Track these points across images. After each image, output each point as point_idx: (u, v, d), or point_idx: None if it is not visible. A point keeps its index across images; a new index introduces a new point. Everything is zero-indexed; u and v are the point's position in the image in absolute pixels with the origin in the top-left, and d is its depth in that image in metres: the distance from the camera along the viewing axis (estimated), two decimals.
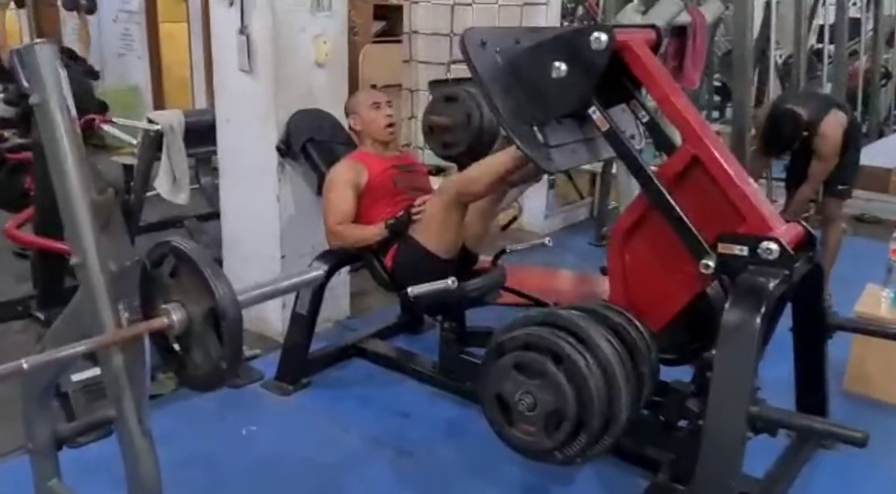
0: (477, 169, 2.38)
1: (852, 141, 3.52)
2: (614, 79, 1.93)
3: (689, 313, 1.94)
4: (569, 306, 1.88)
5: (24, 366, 1.21)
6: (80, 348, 1.30)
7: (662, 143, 2.10)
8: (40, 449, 1.65)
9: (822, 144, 3.41)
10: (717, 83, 7.74)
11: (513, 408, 1.75)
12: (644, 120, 2.06)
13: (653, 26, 2.16)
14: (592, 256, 4.35)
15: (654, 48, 2.05)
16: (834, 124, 3.44)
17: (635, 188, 3.49)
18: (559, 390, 1.65)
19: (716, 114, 7.84)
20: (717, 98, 8.01)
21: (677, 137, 2.06)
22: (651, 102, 2.14)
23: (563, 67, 1.87)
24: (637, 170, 1.92)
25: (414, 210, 2.42)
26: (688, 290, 1.89)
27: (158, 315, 1.39)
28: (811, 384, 2.20)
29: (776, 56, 6.12)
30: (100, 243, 1.35)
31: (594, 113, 1.91)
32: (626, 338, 1.78)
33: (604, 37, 1.81)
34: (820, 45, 6.52)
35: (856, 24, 6.71)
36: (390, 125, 2.71)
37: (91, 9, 5.82)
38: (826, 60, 6.22)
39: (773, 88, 5.82)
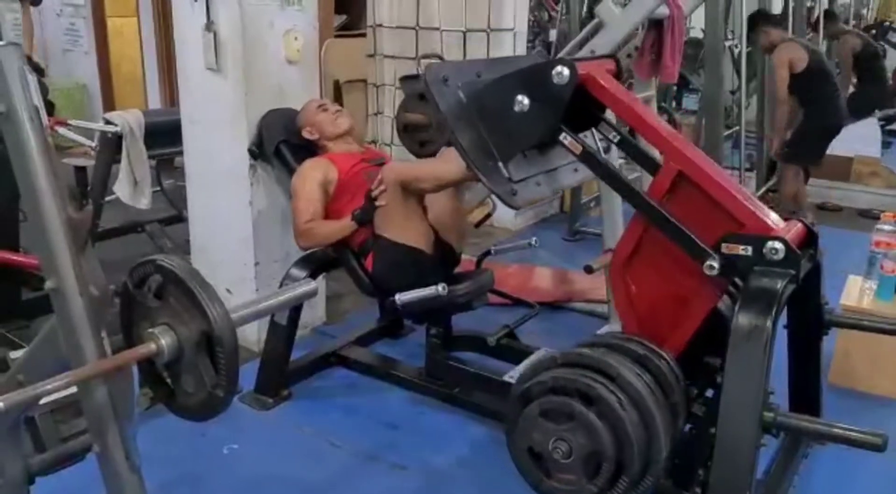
0: (424, 170, 2.38)
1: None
2: (579, 107, 1.92)
3: (704, 329, 1.88)
4: (586, 343, 1.80)
5: (0, 406, 1.09)
6: (59, 382, 1.18)
7: (640, 159, 2.07)
8: (12, 485, 1.53)
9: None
10: None
11: (547, 458, 1.66)
12: (616, 140, 2.03)
13: (612, 56, 2.21)
14: (566, 251, 4.34)
15: (616, 76, 2.06)
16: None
17: None
18: (593, 430, 1.58)
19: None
20: (673, 87, 8.07)
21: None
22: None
23: (526, 100, 1.86)
24: (619, 185, 1.89)
25: (374, 194, 2.34)
26: (701, 307, 1.82)
27: (144, 341, 1.28)
28: (805, 381, 2.19)
29: (731, 46, 6.17)
30: (78, 265, 1.23)
31: (565, 139, 1.89)
32: (652, 369, 1.71)
33: (566, 71, 1.81)
34: None
35: (808, 13, 6.82)
36: (341, 118, 2.68)
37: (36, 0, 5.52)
38: None
39: (731, 80, 5.89)
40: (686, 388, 1.77)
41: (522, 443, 1.70)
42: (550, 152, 2.10)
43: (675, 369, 1.76)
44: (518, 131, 1.88)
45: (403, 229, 2.34)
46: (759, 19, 4.71)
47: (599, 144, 2.29)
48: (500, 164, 1.91)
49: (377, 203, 2.34)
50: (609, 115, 2.08)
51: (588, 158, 1.89)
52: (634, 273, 1.89)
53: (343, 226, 2.44)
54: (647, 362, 1.72)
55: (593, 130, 2.15)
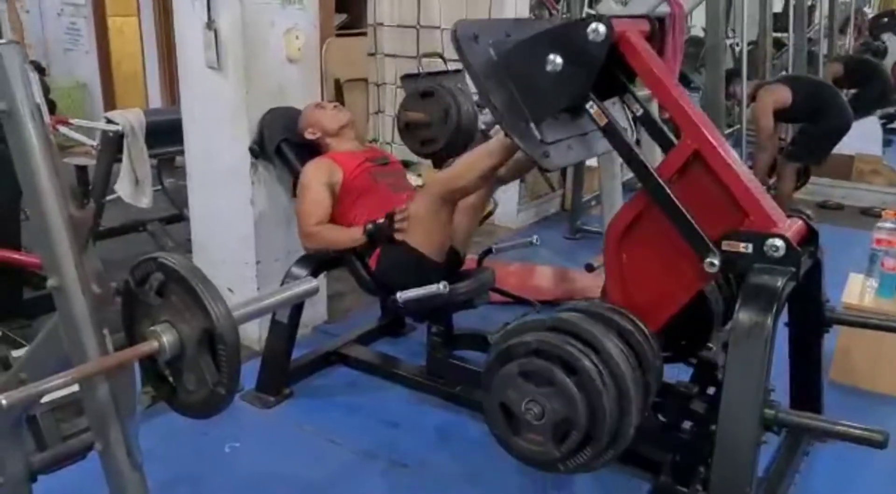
0: (462, 164, 2.31)
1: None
2: (608, 72, 1.87)
3: (685, 309, 1.88)
4: (573, 308, 1.80)
5: (3, 403, 1.09)
6: (61, 379, 1.18)
7: (657, 136, 2.05)
8: (13, 483, 1.53)
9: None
10: None
11: (519, 417, 1.66)
12: (638, 114, 2.00)
13: (646, 17, 2.12)
14: (567, 249, 4.34)
15: (649, 39, 2.01)
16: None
17: (618, 183, 3.51)
18: (571, 399, 1.58)
19: None
20: None
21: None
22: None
23: (559, 60, 1.80)
24: (637, 165, 1.86)
25: (397, 218, 2.30)
26: (688, 289, 1.83)
27: (146, 339, 1.28)
28: (806, 379, 2.19)
29: (732, 44, 6.17)
30: (80, 263, 1.23)
31: (591, 107, 1.85)
32: (634, 346, 1.71)
33: (602, 28, 1.75)
34: (776, 34, 6.60)
35: (809, 11, 6.82)
36: (339, 112, 2.68)
37: None
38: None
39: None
40: (662, 367, 1.79)
41: (496, 398, 1.70)
42: (582, 117, 2.02)
43: (654, 346, 1.76)
44: (550, 91, 1.82)
45: (424, 238, 2.31)
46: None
47: (629, 123, 2.23)
48: (532, 125, 1.87)
49: (397, 226, 2.30)
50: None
51: (611, 132, 1.84)
52: (629, 243, 1.88)
53: (352, 237, 2.41)
54: (630, 336, 1.72)
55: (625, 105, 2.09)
